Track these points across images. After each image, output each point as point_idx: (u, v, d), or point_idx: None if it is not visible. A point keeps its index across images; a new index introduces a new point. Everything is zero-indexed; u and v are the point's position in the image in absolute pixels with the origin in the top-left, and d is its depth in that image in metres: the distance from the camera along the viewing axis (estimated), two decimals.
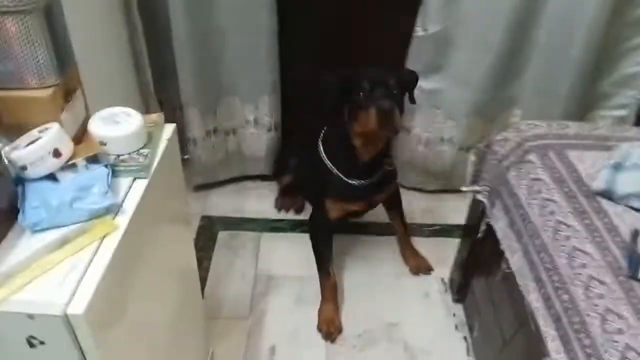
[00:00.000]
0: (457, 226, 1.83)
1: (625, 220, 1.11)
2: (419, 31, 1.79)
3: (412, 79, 1.59)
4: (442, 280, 1.82)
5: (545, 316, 1.08)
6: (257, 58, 1.85)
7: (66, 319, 0.69)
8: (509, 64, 1.81)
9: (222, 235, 1.94)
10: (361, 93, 1.42)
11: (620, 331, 0.91)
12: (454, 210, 1.97)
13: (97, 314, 0.72)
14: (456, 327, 1.66)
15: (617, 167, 1.17)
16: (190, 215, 1.36)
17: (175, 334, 1.18)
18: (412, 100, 1.62)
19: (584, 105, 1.92)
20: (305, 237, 1.76)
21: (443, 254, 1.83)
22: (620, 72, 1.87)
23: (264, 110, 1.99)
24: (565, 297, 1.03)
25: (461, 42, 1.78)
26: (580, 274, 1.02)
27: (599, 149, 1.31)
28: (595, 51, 1.75)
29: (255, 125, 2.04)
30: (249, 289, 1.75)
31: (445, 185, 2.12)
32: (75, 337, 0.71)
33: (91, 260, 0.76)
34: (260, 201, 2.11)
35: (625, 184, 1.14)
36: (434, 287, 1.80)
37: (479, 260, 1.59)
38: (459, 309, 1.72)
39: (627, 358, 0.87)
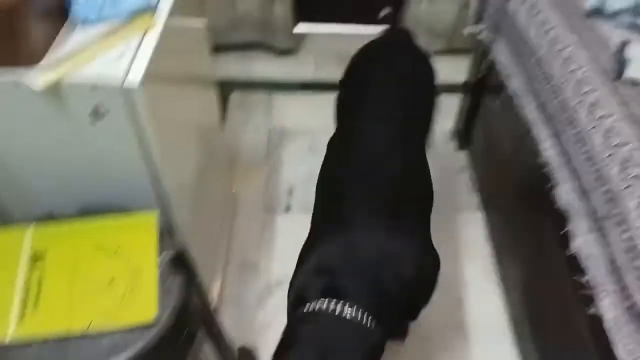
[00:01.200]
0: (458, 86, 1.90)
1: (614, 35, 1.20)
2: None
3: None
4: (447, 131, 1.93)
5: (540, 121, 1.21)
6: None
7: (124, 91, 0.80)
8: None
9: (235, 96, 2.03)
10: None
11: (603, 117, 1.03)
12: (456, 70, 2.03)
13: (148, 90, 0.82)
14: (461, 170, 1.81)
15: None
16: (213, 66, 1.42)
17: (204, 174, 1.29)
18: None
19: None
20: (314, 96, 1.84)
21: (446, 109, 1.92)
22: None
23: None
24: (559, 98, 1.14)
25: None
26: (571, 77, 1.13)
27: None
28: None
29: None
30: (264, 141, 1.87)
31: (448, 44, 2.17)
32: (133, 108, 0.83)
33: (138, 48, 0.86)
34: (268, 67, 2.15)
35: (614, 0, 1.22)
36: (438, 138, 1.90)
37: (480, 105, 1.71)
38: (462, 155, 1.86)
39: (609, 136, 1.00)
